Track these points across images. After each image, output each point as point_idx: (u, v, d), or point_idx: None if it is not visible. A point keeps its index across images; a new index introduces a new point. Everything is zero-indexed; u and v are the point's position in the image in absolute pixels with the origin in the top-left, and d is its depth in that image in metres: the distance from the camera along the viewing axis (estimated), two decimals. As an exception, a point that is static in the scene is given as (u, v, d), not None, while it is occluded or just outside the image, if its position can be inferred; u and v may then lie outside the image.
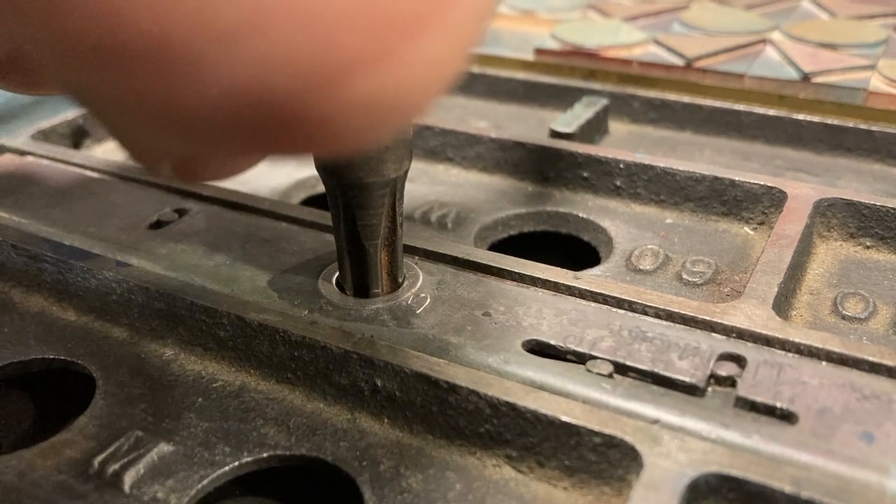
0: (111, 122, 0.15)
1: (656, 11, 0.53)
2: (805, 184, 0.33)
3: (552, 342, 0.25)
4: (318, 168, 0.25)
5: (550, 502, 0.22)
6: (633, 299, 0.26)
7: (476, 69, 0.47)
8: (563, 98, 0.44)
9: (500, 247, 0.34)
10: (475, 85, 0.47)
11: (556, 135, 0.38)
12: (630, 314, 0.26)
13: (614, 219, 0.34)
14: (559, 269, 0.28)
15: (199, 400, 0.25)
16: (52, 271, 0.30)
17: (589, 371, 0.24)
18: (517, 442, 0.22)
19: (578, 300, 0.27)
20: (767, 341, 0.24)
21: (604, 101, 0.41)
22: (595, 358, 0.24)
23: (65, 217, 0.33)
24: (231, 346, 0.26)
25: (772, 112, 0.40)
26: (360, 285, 0.27)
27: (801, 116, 0.39)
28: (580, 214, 0.35)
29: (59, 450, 0.24)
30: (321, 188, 0.37)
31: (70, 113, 0.42)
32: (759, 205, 0.33)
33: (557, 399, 0.22)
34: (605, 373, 0.23)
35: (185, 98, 0.12)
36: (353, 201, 0.25)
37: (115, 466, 0.23)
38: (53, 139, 0.40)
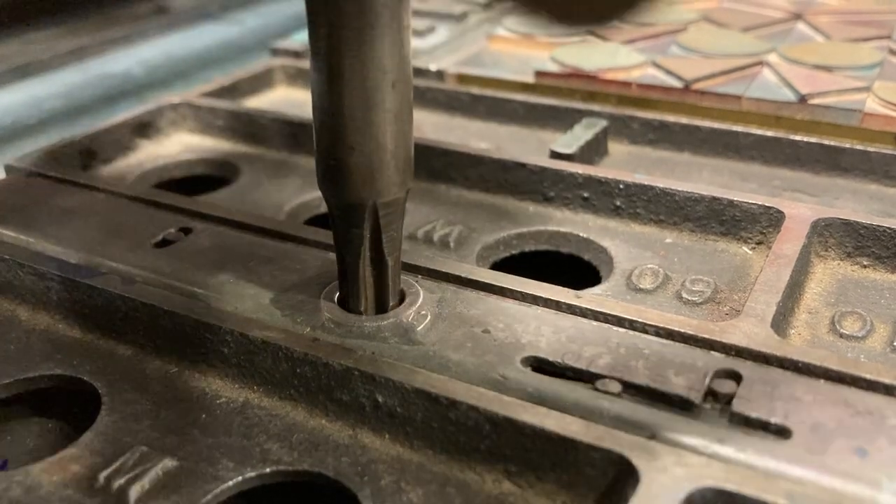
0: None
1: (655, 34, 0.54)
2: (803, 204, 0.33)
3: (550, 359, 0.25)
4: (343, 193, 0.25)
5: (549, 517, 0.22)
6: (634, 318, 0.26)
7: (477, 91, 0.47)
8: (563, 119, 0.44)
9: (501, 266, 0.35)
10: (476, 106, 0.47)
11: (556, 155, 0.39)
12: (627, 332, 0.26)
13: (614, 238, 0.35)
14: (561, 287, 0.28)
15: (203, 416, 0.26)
16: (58, 289, 0.30)
17: (598, 390, 0.24)
18: (516, 457, 0.23)
19: (577, 318, 0.27)
20: (766, 359, 0.25)
21: (603, 123, 0.42)
22: (593, 374, 0.24)
23: (71, 236, 0.33)
24: (234, 362, 0.27)
25: (769, 133, 0.41)
26: (379, 301, 0.27)
27: (798, 137, 0.40)
28: (581, 234, 0.35)
29: (66, 465, 0.24)
30: (323, 208, 0.38)
31: (77, 134, 0.42)
32: (757, 225, 0.33)
33: (556, 415, 0.23)
34: (614, 391, 0.24)
35: None
36: (383, 218, 0.25)
37: (121, 481, 0.23)
38: (60, 160, 0.41)
